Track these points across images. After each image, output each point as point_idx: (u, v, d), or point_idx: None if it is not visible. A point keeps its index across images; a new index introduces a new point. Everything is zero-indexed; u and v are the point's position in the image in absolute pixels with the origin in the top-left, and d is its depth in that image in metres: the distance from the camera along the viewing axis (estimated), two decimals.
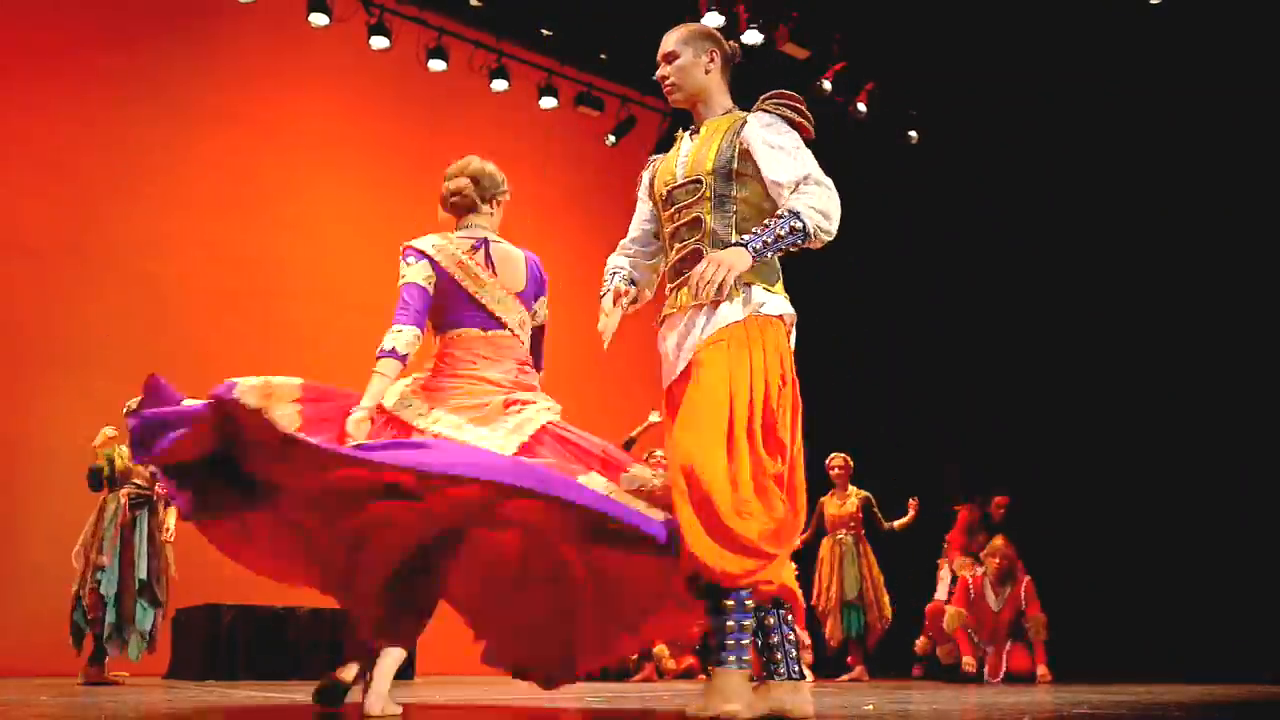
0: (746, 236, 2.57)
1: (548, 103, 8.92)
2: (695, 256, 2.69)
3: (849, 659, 7.29)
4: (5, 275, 7.27)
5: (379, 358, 2.92)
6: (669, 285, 2.84)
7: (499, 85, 8.73)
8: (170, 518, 5.97)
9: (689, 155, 2.80)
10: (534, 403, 3.03)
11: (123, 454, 5.93)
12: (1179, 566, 6.98)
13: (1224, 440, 6.97)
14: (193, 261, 8.03)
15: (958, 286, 8.71)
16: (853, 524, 7.36)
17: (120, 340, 7.55)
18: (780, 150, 2.66)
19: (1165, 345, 7.37)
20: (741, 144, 2.72)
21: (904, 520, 7.36)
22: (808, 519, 6.26)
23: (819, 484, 7.32)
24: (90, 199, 7.65)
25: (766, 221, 2.58)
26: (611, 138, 9.46)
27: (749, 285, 2.65)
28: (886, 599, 7.28)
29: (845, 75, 8.42)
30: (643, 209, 3.00)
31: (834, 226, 2.63)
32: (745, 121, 2.76)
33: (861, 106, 8.56)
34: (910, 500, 7.35)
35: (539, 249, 3.35)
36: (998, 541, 6.82)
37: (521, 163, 6.61)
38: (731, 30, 7.85)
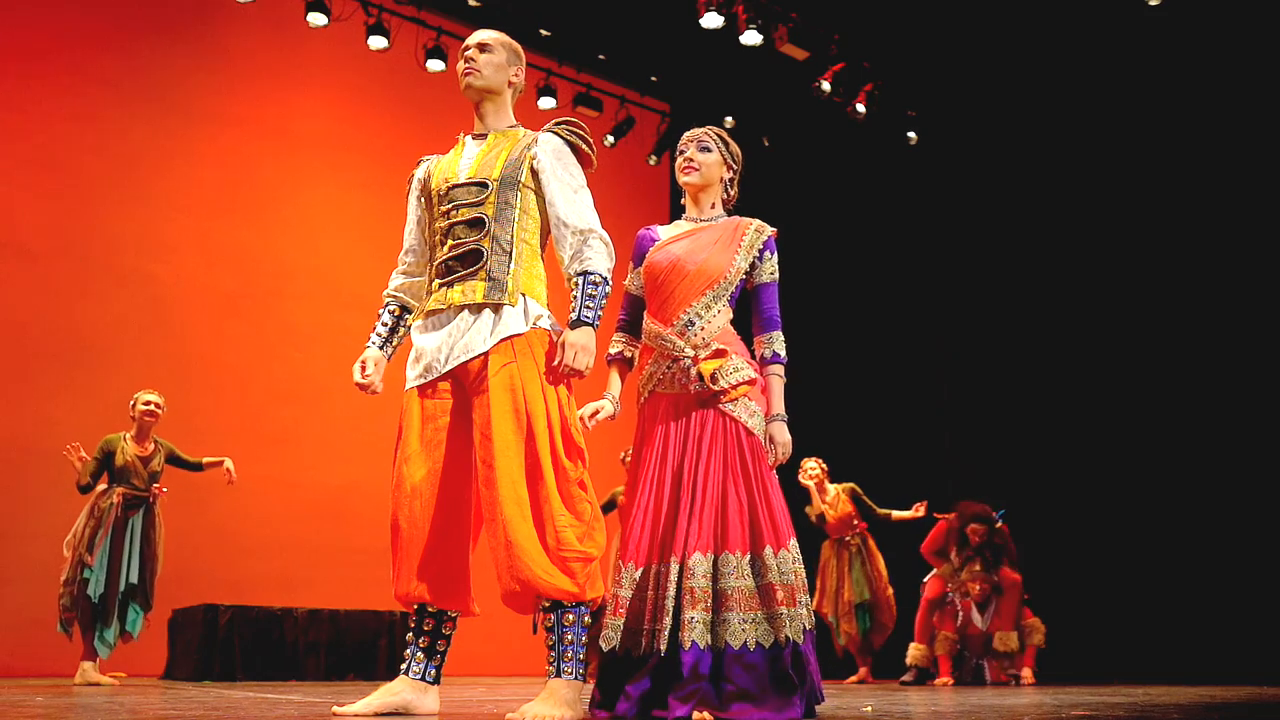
0: (586, 315, 2.68)
1: (546, 103, 8.91)
2: (473, 256, 2.76)
3: (858, 661, 7.26)
4: (5, 276, 7.27)
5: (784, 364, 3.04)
6: (436, 281, 2.84)
7: None
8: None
9: (474, 158, 2.87)
10: None
11: (126, 448, 5.86)
12: (1176, 567, 6.98)
13: (1220, 440, 6.96)
14: (192, 262, 8.04)
15: (957, 287, 8.71)
16: (855, 523, 7.28)
17: (120, 341, 7.55)
18: (568, 187, 2.80)
19: (1160, 345, 7.36)
20: (533, 160, 2.82)
21: (905, 514, 7.17)
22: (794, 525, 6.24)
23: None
24: (90, 200, 7.65)
25: (590, 291, 2.71)
26: (610, 138, 9.46)
27: (524, 295, 2.76)
28: (891, 593, 7.21)
29: (845, 75, 8.41)
30: (416, 212, 3.00)
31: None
32: (536, 140, 2.86)
33: (861, 107, 8.55)
34: (919, 503, 7.16)
35: None
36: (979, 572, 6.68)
37: None
38: (731, 31, 7.84)
